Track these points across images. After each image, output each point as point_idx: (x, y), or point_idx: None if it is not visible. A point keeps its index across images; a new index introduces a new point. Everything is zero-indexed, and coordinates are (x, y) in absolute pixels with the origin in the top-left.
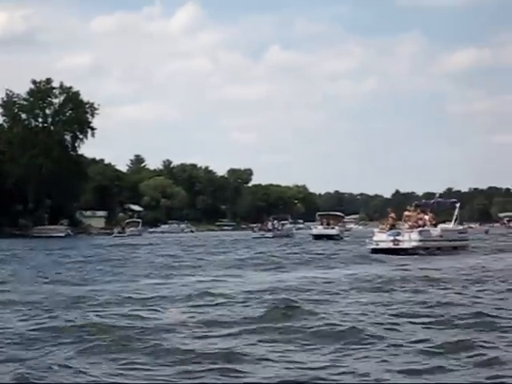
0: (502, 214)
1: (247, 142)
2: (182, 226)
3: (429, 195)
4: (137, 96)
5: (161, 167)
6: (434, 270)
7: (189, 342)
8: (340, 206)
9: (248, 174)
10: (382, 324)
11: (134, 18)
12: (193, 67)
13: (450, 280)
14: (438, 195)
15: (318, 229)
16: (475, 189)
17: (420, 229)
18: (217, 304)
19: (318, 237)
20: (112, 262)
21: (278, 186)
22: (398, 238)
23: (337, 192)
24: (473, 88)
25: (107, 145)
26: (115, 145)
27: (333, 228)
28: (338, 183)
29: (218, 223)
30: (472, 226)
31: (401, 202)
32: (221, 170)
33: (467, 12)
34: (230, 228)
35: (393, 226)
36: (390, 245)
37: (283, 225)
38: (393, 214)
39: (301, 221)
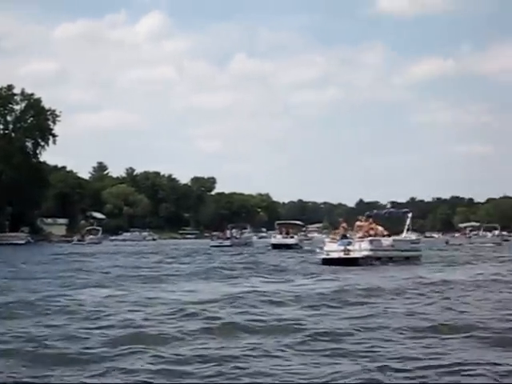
0: (462, 225)
1: (211, 150)
2: (144, 234)
3: (393, 204)
4: (100, 103)
5: (124, 175)
6: (367, 282)
7: None
8: (303, 214)
9: (211, 182)
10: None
11: (98, 26)
12: (157, 75)
13: (377, 292)
14: (389, 205)
15: (277, 238)
16: (438, 198)
17: (371, 238)
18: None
19: (276, 246)
20: (58, 272)
21: (241, 194)
22: (348, 247)
23: (300, 201)
24: (436, 98)
25: (70, 152)
26: (78, 152)
27: (292, 237)
28: (302, 192)
29: (180, 231)
30: (434, 235)
31: (364, 211)
32: (184, 178)
33: (430, 22)
34: (193, 236)
35: (344, 236)
36: (341, 254)
37: (242, 233)
38: (344, 224)
39: (264, 229)
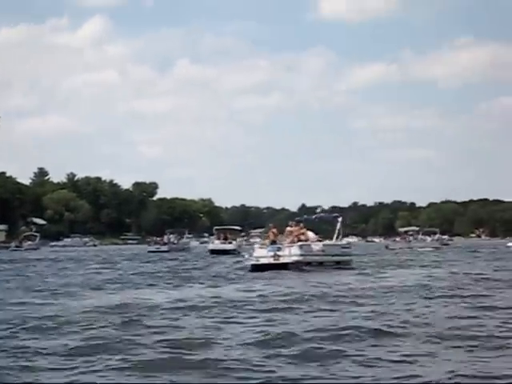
0: (402, 229)
1: (154, 155)
2: (85, 239)
3: (335, 209)
4: (42, 109)
5: (65, 180)
6: (288, 287)
7: None
8: (246, 219)
9: (153, 187)
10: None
11: (39, 31)
12: (100, 80)
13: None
14: (320, 210)
15: (215, 243)
16: (380, 203)
17: (300, 243)
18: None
19: (214, 251)
20: None
21: (184, 199)
22: (278, 253)
23: (243, 206)
24: (378, 103)
25: (10, 158)
26: (19, 158)
27: (230, 243)
28: (245, 197)
29: (122, 237)
30: (375, 240)
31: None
32: (126, 183)
33: (373, 28)
34: (135, 242)
35: (274, 242)
36: (271, 260)
37: (180, 239)
38: (274, 230)
39: (206, 234)
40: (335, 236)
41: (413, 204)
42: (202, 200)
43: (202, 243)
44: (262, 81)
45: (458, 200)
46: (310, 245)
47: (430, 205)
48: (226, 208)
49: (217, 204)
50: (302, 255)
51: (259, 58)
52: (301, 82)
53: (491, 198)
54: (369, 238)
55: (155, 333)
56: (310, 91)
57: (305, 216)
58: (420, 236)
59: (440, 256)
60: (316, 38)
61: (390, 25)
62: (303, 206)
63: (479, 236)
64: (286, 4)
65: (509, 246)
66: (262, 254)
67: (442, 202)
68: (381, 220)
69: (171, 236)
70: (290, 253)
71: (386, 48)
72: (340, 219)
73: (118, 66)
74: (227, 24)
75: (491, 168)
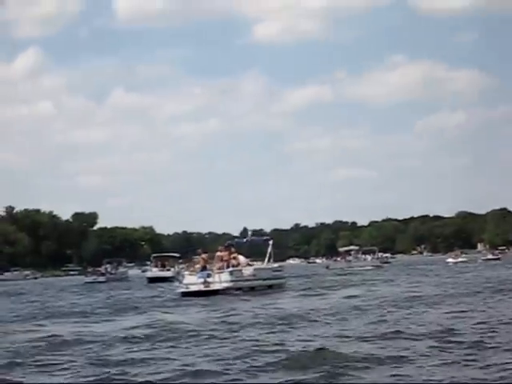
0: (342, 249)
1: (93, 185)
2: (26, 272)
3: (276, 231)
4: None
5: (3, 214)
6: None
7: None
8: (189, 246)
9: (93, 217)
10: None
11: None
12: (35, 112)
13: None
14: (250, 233)
15: (153, 271)
16: (322, 223)
17: (231, 269)
18: None
19: (152, 280)
20: None
21: (124, 228)
22: (208, 279)
23: (185, 232)
24: (314, 124)
25: None
26: None
27: (168, 270)
28: (186, 223)
29: (63, 268)
30: (317, 260)
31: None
32: (66, 214)
33: (306, 50)
34: (76, 273)
35: (204, 268)
36: (201, 287)
37: (117, 268)
38: (204, 255)
39: (148, 262)
40: (266, 259)
41: (354, 223)
42: (143, 228)
43: (143, 271)
44: (198, 107)
45: (399, 218)
46: (240, 270)
47: (371, 223)
48: (168, 235)
49: (158, 231)
50: (232, 281)
51: (194, 85)
52: (236, 107)
53: (431, 215)
54: (311, 259)
55: None
56: (245, 115)
57: (235, 240)
58: (360, 255)
59: (377, 275)
60: (250, 62)
61: (323, 46)
62: (245, 229)
63: (421, 253)
64: (219, 29)
65: (448, 262)
66: (191, 280)
67: (383, 221)
68: (323, 240)
69: (108, 266)
70: (221, 279)
71: (319, 69)
72: (271, 242)
73: (54, 98)
74: (160, 52)
75: (429, 185)
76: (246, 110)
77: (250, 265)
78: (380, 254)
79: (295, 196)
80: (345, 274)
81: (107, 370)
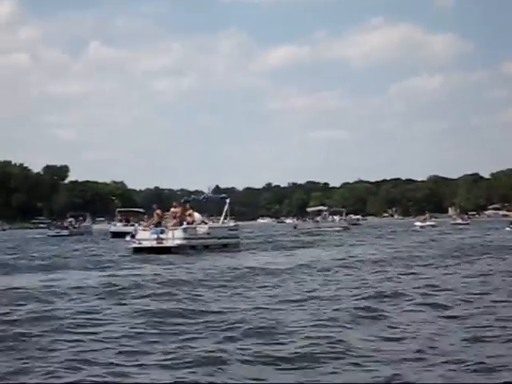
0: (310, 209)
1: (67, 138)
2: None
3: (248, 190)
4: None
5: None
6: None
7: None
8: (160, 201)
9: (64, 170)
10: None
11: None
12: (11, 63)
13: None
14: (209, 191)
15: (117, 226)
16: (294, 183)
17: (184, 226)
18: None
19: (116, 234)
20: None
21: (96, 182)
22: (161, 235)
23: (157, 188)
24: (291, 85)
25: None
26: None
27: (132, 225)
28: (159, 179)
29: (33, 221)
30: (287, 220)
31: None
32: (39, 167)
33: (286, 9)
34: (45, 226)
35: (158, 224)
36: (154, 243)
37: (81, 222)
38: (159, 211)
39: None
40: (222, 218)
41: (326, 184)
42: (115, 183)
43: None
44: (175, 63)
45: (371, 180)
46: (194, 228)
47: (343, 185)
48: (140, 190)
49: (131, 187)
50: (185, 238)
51: (172, 40)
52: (214, 64)
53: (403, 178)
54: (281, 219)
55: None
56: (223, 73)
57: (192, 196)
58: (328, 216)
59: (339, 237)
60: (229, 19)
61: (303, 7)
62: (217, 187)
63: (392, 215)
64: None
65: (415, 226)
66: (144, 236)
67: (355, 182)
68: (294, 201)
69: (72, 219)
70: (174, 236)
71: (298, 30)
72: (228, 200)
73: (30, 50)
74: (138, 6)
75: (402, 148)
76: (223, 67)
77: (206, 223)
78: (349, 216)
79: (270, 155)
80: (308, 234)
81: None
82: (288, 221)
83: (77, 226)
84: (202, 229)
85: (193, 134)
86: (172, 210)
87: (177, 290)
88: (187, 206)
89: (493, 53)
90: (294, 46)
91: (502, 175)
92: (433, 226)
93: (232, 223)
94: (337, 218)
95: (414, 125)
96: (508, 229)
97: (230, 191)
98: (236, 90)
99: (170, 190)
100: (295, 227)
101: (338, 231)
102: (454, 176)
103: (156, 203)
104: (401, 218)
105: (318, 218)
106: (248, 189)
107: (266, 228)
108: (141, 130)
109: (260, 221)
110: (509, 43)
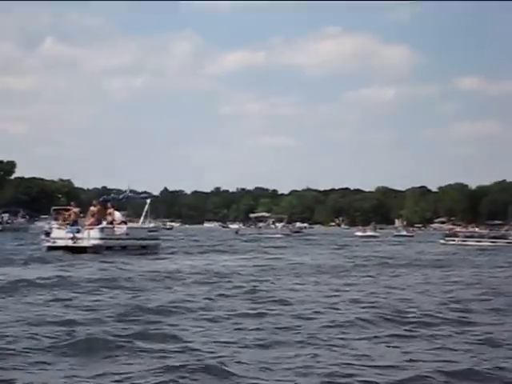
0: (253, 215)
1: (16, 133)
2: None
3: (197, 193)
4: None
5: None
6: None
7: None
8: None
9: (11, 166)
10: None
11: None
12: None
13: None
14: (128, 190)
15: (50, 224)
16: (243, 189)
17: (101, 226)
18: None
19: (48, 233)
20: None
21: (42, 179)
22: (77, 235)
23: (104, 188)
24: (244, 90)
25: None
26: None
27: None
28: (107, 179)
29: None
30: (231, 226)
31: (169, 200)
32: None
33: (243, 14)
34: None
35: (75, 222)
36: (69, 242)
37: (16, 219)
38: (76, 209)
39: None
40: (142, 219)
41: (275, 191)
42: (62, 180)
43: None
44: (130, 62)
45: (320, 189)
46: (112, 228)
47: (292, 192)
48: (88, 189)
49: (79, 185)
50: (102, 239)
51: (127, 40)
52: (169, 66)
53: (352, 188)
54: (226, 224)
55: None
56: (177, 75)
57: (112, 195)
58: (271, 223)
59: (277, 242)
60: (186, 23)
61: (260, 12)
62: (165, 189)
63: (339, 225)
64: None
65: (356, 235)
66: (59, 235)
67: (304, 190)
68: (242, 206)
69: (5, 215)
70: (90, 235)
71: (255, 35)
72: (148, 201)
73: None
74: (95, 3)
75: (352, 158)
76: (178, 69)
77: (126, 222)
78: (293, 224)
79: (220, 160)
80: (246, 241)
81: None
82: (232, 226)
83: (10, 222)
84: (120, 229)
85: (144, 135)
86: (91, 208)
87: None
88: (108, 204)
89: (446, 67)
90: (249, 51)
91: (450, 189)
92: (373, 236)
93: (152, 224)
94: (279, 225)
95: (364, 135)
96: (442, 241)
97: (179, 194)
98: (189, 93)
99: (119, 190)
100: (237, 232)
101: (278, 238)
102: (402, 188)
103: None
104: (347, 227)
105: (261, 225)
106: (196, 192)
107: (209, 232)
108: (92, 128)
109: (206, 225)
110: (462, 58)
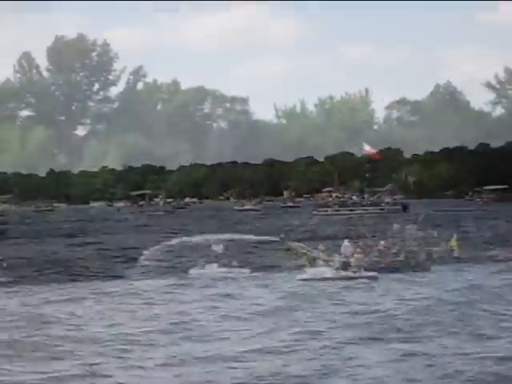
0: (134, 193)
1: None
2: None
3: (84, 173)
4: None
5: None
6: None
7: None
8: None
9: None
10: None
11: None
12: None
13: None
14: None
15: None
16: (130, 166)
17: None
18: None
19: None
20: None
21: None
22: None
23: None
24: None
25: None
26: None
27: None
28: None
29: None
30: (117, 204)
31: (55, 182)
32: None
33: None
34: None
35: None
36: None
37: None
38: None
39: None
40: None
41: (162, 168)
42: None
43: None
44: None
45: (208, 163)
46: None
47: (180, 168)
48: None
49: None
50: None
51: None
52: None
53: (240, 161)
54: (112, 203)
55: None
56: None
57: None
58: (160, 200)
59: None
60: None
61: None
62: (51, 170)
63: (228, 198)
64: None
65: (235, 209)
66: None
67: (192, 165)
68: (130, 184)
69: None
70: None
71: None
72: None
73: None
74: None
75: None
76: None
77: None
78: (179, 200)
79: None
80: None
81: None
82: (117, 204)
83: None
84: None
85: None
86: None
87: None
88: None
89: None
90: (137, 26)
91: (336, 158)
92: (253, 209)
93: None
94: (161, 202)
95: None
96: (315, 212)
97: (65, 174)
98: None
99: (4, 173)
100: (118, 210)
101: (161, 215)
102: (290, 159)
103: None
104: (235, 200)
105: (142, 202)
106: (83, 171)
107: (87, 210)
108: None
109: (93, 204)
110: None
